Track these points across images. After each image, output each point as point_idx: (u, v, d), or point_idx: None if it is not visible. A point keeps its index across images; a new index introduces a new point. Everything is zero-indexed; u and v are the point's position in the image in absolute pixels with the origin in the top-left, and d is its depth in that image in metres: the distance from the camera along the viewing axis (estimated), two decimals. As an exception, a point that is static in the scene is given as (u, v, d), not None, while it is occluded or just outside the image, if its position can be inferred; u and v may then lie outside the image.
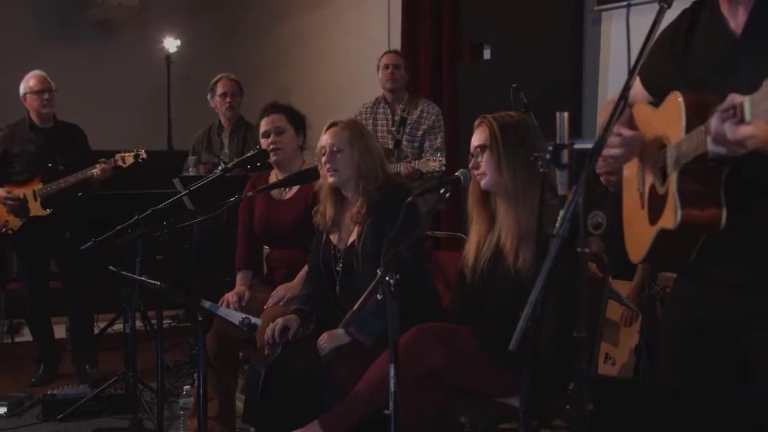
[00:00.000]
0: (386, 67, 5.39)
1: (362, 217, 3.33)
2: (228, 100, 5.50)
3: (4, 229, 5.16)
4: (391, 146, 5.24)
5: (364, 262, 3.28)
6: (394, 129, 5.28)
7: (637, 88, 2.23)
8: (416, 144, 5.25)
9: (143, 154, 5.12)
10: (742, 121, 1.69)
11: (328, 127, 3.43)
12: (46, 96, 5.15)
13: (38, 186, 5.13)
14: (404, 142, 5.24)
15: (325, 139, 3.40)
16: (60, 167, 5.16)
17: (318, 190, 3.49)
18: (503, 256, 2.93)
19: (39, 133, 5.22)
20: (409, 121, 5.26)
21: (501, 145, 2.91)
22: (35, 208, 5.13)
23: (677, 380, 2.16)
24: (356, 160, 3.34)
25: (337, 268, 3.41)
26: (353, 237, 3.37)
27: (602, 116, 2.38)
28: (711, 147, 1.78)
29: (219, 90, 5.51)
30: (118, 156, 5.10)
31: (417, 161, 4.85)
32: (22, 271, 5.40)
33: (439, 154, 4.84)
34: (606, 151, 2.12)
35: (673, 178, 1.94)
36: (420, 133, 5.27)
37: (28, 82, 5.19)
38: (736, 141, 1.72)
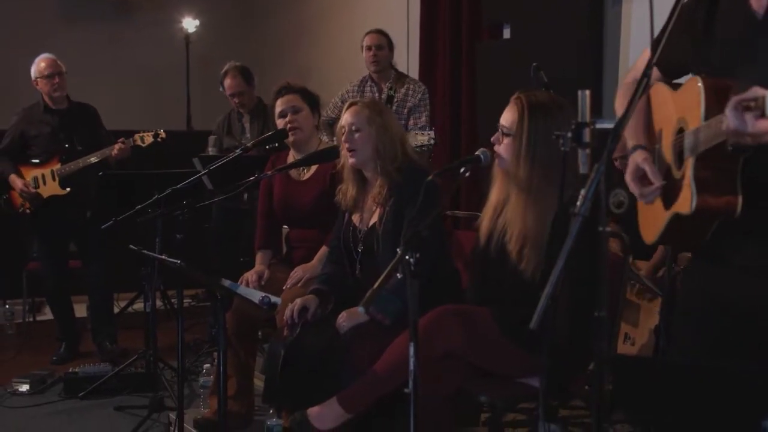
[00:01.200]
0: (369, 48, 5.38)
1: (384, 198, 3.32)
2: (236, 100, 5.48)
3: (21, 209, 5.21)
4: None
5: (385, 243, 3.27)
6: None
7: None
8: (402, 121, 5.25)
9: (162, 133, 5.14)
10: (763, 114, 1.67)
11: (348, 107, 3.42)
12: (56, 80, 5.17)
13: (57, 166, 5.16)
14: None
15: (345, 118, 3.39)
16: (78, 147, 5.19)
17: (340, 170, 3.49)
18: (507, 252, 2.88)
19: (54, 115, 5.24)
20: (396, 99, 5.26)
21: (525, 136, 2.80)
22: (54, 188, 5.16)
23: (692, 359, 2.15)
24: (374, 139, 3.33)
25: (358, 249, 3.41)
26: (375, 218, 3.37)
27: (619, 98, 2.34)
28: (730, 138, 1.76)
29: (226, 89, 5.47)
30: (137, 136, 5.12)
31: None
32: (42, 250, 5.44)
33: (428, 130, 4.82)
34: (630, 187, 2.12)
35: (689, 163, 1.92)
36: (405, 111, 5.28)
37: (38, 65, 5.20)
38: (754, 134, 1.70)
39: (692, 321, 2.17)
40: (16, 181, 5.14)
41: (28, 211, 5.20)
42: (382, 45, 5.38)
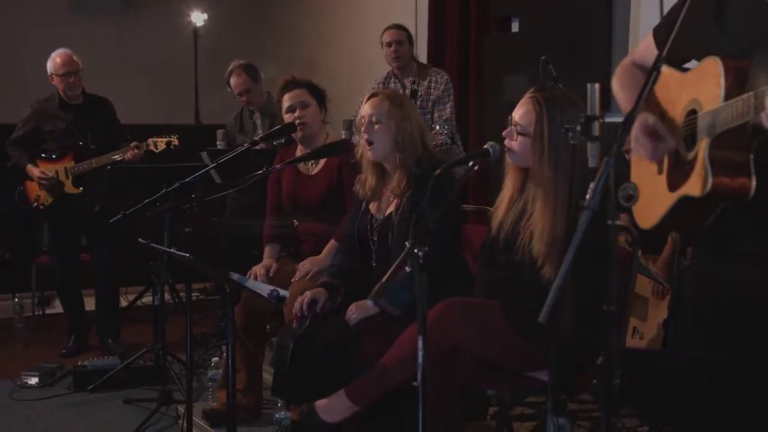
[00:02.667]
0: (389, 44, 5.30)
1: (402, 190, 3.30)
2: (244, 98, 5.46)
3: (36, 204, 5.22)
4: None
5: (399, 234, 3.25)
6: None
7: (653, 54, 2.18)
8: (428, 115, 5.21)
9: (175, 140, 5.14)
10: None
11: (369, 97, 3.40)
12: (71, 79, 5.16)
13: (70, 164, 5.17)
14: None
15: (365, 108, 3.36)
16: (92, 146, 5.20)
17: (359, 160, 3.45)
18: (516, 246, 2.86)
19: (69, 110, 5.24)
20: (419, 93, 5.20)
21: (546, 139, 2.77)
22: (67, 186, 5.17)
23: (700, 352, 2.13)
24: (393, 132, 3.29)
25: (373, 239, 3.39)
26: (391, 209, 3.34)
27: (616, 80, 2.31)
28: (765, 122, 1.74)
29: (233, 89, 5.44)
30: (150, 141, 5.13)
31: None
32: (53, 244, 5.45)
33: (447, 126, 4.78)
34: (635, 148, 2.09)
35: (704, 144, 1.90)
36: (430, 104, 5.23)
37: (54, 61, 5.18)
38: None
39: (698, 314, 2.15)
40: (33, 170, 5.15)
41: (41, 206, 5.21)
42: (402, 40, 5.31)
